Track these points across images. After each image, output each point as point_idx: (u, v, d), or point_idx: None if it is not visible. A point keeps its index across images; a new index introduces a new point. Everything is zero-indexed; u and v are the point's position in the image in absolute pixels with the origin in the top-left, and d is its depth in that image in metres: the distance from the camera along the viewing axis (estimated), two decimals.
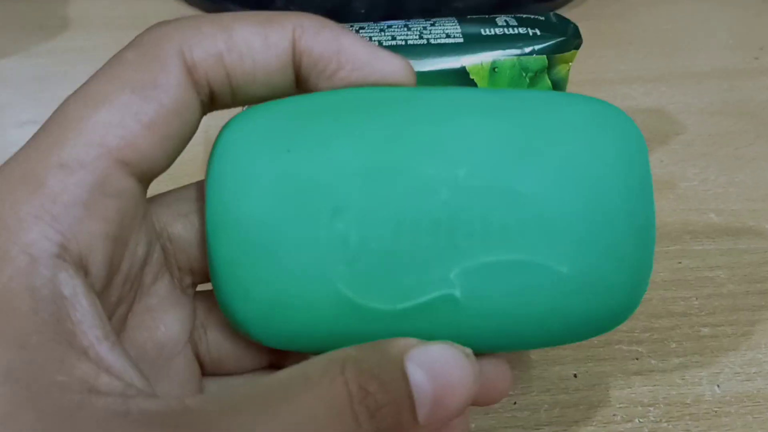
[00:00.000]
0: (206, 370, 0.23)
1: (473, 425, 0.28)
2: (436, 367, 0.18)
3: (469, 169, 0.19)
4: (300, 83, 0.22)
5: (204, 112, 0.21)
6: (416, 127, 0.20)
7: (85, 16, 0.55)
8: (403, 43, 0.31)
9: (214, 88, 0.21)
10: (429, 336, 0.19)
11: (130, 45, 0.20)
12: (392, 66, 0.21)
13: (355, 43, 0.21)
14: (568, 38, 0.32)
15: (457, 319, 0.20)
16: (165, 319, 0.22)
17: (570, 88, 0.45)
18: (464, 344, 0.19)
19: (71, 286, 0.17)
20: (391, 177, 0.19)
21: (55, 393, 0.16)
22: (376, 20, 0.34)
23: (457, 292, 0.19)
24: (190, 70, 0.20)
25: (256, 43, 0.20)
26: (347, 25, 0.32)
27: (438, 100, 0.21)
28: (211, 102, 0.21)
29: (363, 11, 0.50)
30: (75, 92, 0.19)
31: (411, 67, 0.22)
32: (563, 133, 0.20)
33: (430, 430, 0.18)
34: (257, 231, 0.20)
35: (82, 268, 0.18)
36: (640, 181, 0.20)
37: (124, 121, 0.19)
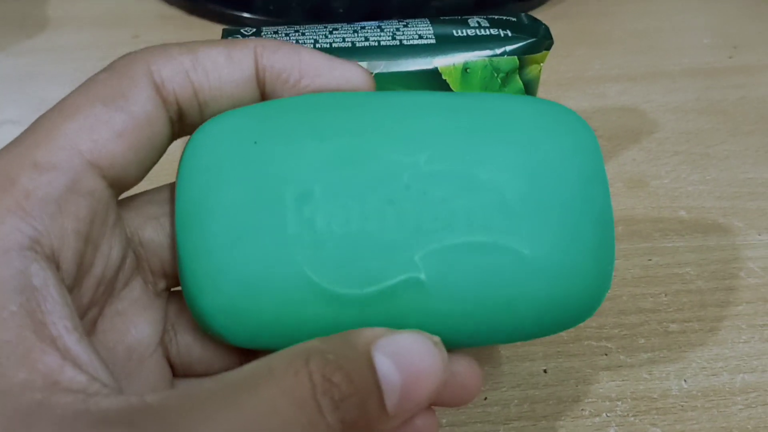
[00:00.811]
0: (177, 372, 0.24)
1: (444, 420, 0.29)
2: (404, 356, 0.18)
3: (431, 155, 0.20)
4: (265, 96, 0.23)
5: (174, 131, 0.22)
6: (378, 119, 0.21)
7: (64, 15, 0.55)
8: (376, 44, 0.32)
9: (182, 104, 0.22)
10: (397, 323, 0.20)
11: (103, 69, 0.21)
12: (351, 73, 0.23)
13: (313, 54, 0.23)
14: (539, 39, 0.33)
15: (424, 303, 0.20)
16: (136, 322, 0.22)
17: (546, 87, 0.46)
18: (432, 331, 0.19)
19: (42, 277, 0.18)
20: (355, 163, 0.20)
21: (16, 392, 0.16)
22: (355, 20, 0.34)
23: (423, 275, 0.20)
24: (158, 87, 0.21)
25: (221, 60, 0.22)
26: (322, 26, 0.33)
27: (398, 99, 0.22)
28: (180, 119, 0.22)
29: (342, 11, 0.50)
30: (50, 108, 0.20)
31: (369, 74, 0.23)
32: (518, 126, 0.21)
33: (398, 421, 0.18)
34: (224, 220, 0.20)
35: (54, 262, 0.18)
36: (593, 171, 0.21)
37: (95, 128, 0.20)
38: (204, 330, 0.22)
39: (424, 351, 0.18)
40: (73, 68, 0.49)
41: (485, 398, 0.30)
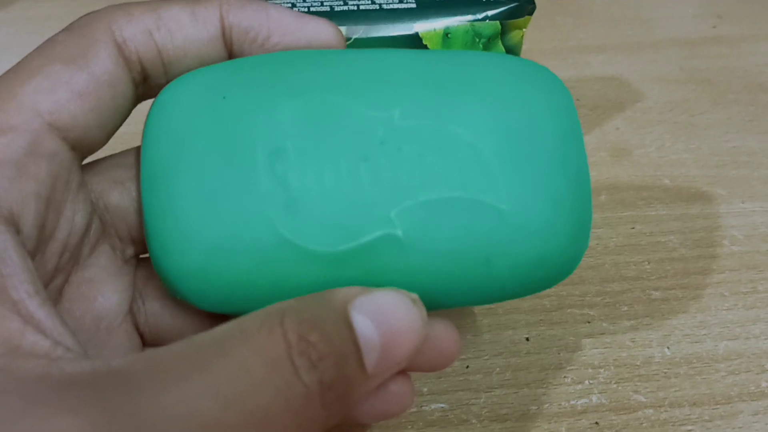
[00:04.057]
0: (147, 342, 0.23)
1: (425, 389, 0.28)
2: (382, 314, 0.17)
3: (405, 110, 0.20)
4: (233, 56, 0.22)
5: (139, 93, 0.22)
6: (351, 75, 0.21)
7: None
8: (355, 8, 0.31)
9: (146, 64, 0.21)
10: (374, 281, 0.19)
11: (63, 29, 0.21)
12: (321, 29, 0.22)
13: (281, 11, 0.22)
14: (522, 4, 0.32)
15: (401, 260, 0.19)
16: (103, 290, 0.22)
17: (529, 56, 0.45)
18: (410, 290, 0.19)
19: (1, 240, 0.17)
20: (328, 119, 0.20)
21: None
22: None
23: (399, 231, 0.19)
24: (120, 47, 0.21)
25: (185, 19, 0.21)
26: None
27: (371, 55, 0.21)
28: (145, 80, 0.22)
29: None
30: (8, 70, 0.20)
31: (339, 31, 0.23)
32: (494, 82, 0.21)
33: (377, 381, 0.18)
34: (192, 179, 0.20)
35: (13, 225, 0.18)
36: (568, 129, 0.21)
37: (55, 88, 0.19)
38: (173, 295, 0.21)
39: (402, 308, 0.18)
40: (46, 38, 0.48)
41: (467, 366, 0.29)
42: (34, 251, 0.19)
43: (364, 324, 0.17)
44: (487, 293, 0.21)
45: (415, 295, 0.18)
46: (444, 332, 0.21)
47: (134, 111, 0.22)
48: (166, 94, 0.21)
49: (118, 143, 0.23)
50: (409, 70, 0.21)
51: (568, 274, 0.21)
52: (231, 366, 0.15)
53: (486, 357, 0.30)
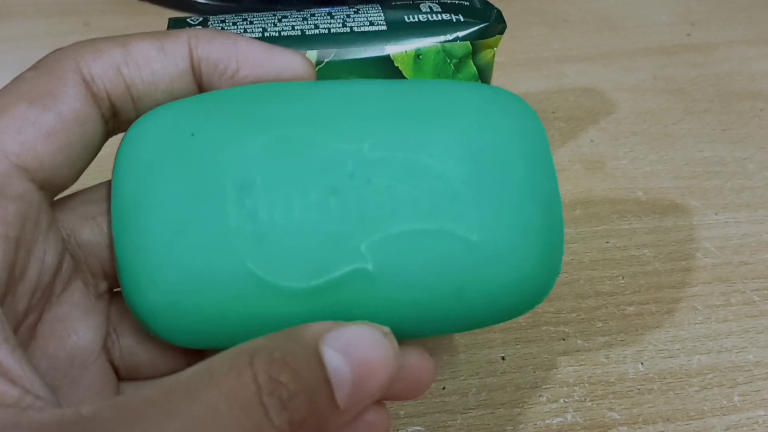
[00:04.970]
0: (122, 376, 0.23)
1: (402, 412, 0.29)
2: (353, 349, 0.17)
3: (374, 142, 0.20)
4: (203, 89, 0.22)
5: (109, 129, 0.22)
6: (320, 107, 0.21)
7: (16, 4, 0.53)
8: (326, 31, 0.31)
9: (115, 100, 0.21)
10: (345, 315, 0.19)
11: (30, 67, 0.21)
12: (291, 61, 0.22)
13: (251, 43, 0.22)
14: (492, 24, 0.32)
15: (372, 295, 0.20)
16: (77, 327, 0.22)
17: (503, 68, 0.45)
18: (382, 323, 0.19)
19: None
20: (297, 152, 0.20)
21: None
22: (310, 5, 0.34)
23: (370, 266, 0.19)
24: (88, 84, 0.20)
25: (153, 54, 0.21)
26: (271, 14, 0.32)
27: (340, 87, 0.22)
28: (114, 116, 0.22)
29: None
30: None
31: (310, 63, 0.23)
32: (462, 112, 0.21)
33: (350, 415, 0.18)
34: (162, 214, 0.20)
35: None
36: (538, 155, 0.21)
37: (22, 129, 0.19)
38: (146, 330, 0.21)
39: (373, 342, 0.18)
40: (22, 57, 0.47)
41: (443, 387, 0.30)
42: (4, 293, 0.19)
43: (335, 359, 0.17)
44: (460, 323, 0.21)
45: (386, 328, 0.19)
46: (418, 361, 0.21)
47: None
48: (136, 129, 0.21)
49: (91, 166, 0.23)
50: (378, 101, 0.21)
51: (541, 301, 0.22)
52: (200, 410, 0.16)
53: (462, 377, 0.30)
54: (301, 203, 0.19)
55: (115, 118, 0.22)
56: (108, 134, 0.22)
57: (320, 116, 0.20)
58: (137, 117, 0.22)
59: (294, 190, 0.19)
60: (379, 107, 0.21)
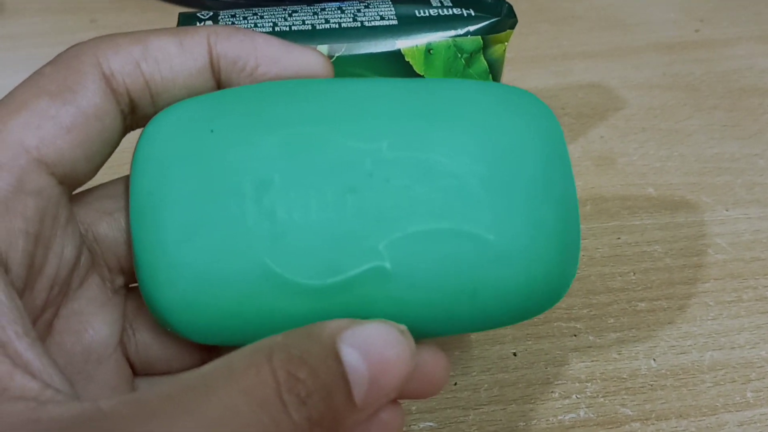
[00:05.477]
0: (137, 371, 0.23)
1: (413, 407, 0.29)
2: (370, 346, 0.17)
3: (392, 142, 0.20)
4: (221, 85, 0.22)
5: (127, 124, 0.22)
6: (338, 107, 0.21)
7: (22, 1, 0.53)
8: (337, 26, 0.31)
9: (134, 96, 0.21)
10: (362, 313, 0.19)
11: (49, 61, 0.21)
12: (309, 59, 0.22)
13: (269, 40, 0.22)
14: (503, 18, 0.32)
15: (390, 293, 0.20)
16: (93, 322, 0.22)
17: (512, 65, 0.45)
18: (398, 321, 0.19)
19: None
20: (315, 151, 0.20)
21: None
22: (315, 1, 0.34)
23: (387, 264, 0.19)
24: (107, 79, 0.20)
25: (173, 50, 0.21)
26: (281, 8, 0.32)
27: (358, 86, 0.21)
28: (133, 112, 0.22)
29: None
30: None
31: (327, 60, 0.22)
32: (479, 112, 0.21)
33: (367, 413, 0.18)
34: (180, 211, 0.20)
35: (1, 264, 0.18)
36: (555, 155, 0.21)
37: (42, 123, 0.19)
38: (162, 326, 0.21)
39: (390, 340, 0.18)
40: (28, 55, 0.48)
41: (455, 383, 0.29)
42: (23, 288, 0.19)
43: (352, 357, 0.17)
44: (475, 323, 0.21)
45: (403, 326, 0.19)
46: (432, 360, 0.21)
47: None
48: (154, 125, 0.21)
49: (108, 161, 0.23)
50: (395, 101, 0.21)
51: (557, 301, 0.22)
52: (219, 407, 0.16)
53: (474, 373, 0.30)
54: (319, 202, 0.19)
55: (134, 114, 0.22)
56: (126, 129, 0.22)
57: (339, 115, 0.20)
58: (155, 113, 0.22)
59: (312, 189, 0.19)
60: (396, 106, 0.21)
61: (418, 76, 0.32)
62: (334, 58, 0.31)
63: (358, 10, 0.32)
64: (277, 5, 0.32)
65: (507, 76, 0.43)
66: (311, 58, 0.22)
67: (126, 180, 0.23)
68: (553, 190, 0.20)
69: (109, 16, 0.51)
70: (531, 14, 0.51)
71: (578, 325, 0.32)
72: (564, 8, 0.53)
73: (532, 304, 0.21)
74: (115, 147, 0.22)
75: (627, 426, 0.28)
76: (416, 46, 0.31)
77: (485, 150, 0.20)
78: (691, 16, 0.52)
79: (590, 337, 0.31)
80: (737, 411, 0.29)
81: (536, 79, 0.46)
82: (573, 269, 0.22)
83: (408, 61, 0.31)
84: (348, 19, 0.31)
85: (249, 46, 0.22)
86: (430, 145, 0.20)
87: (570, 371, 0.30)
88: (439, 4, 0.32)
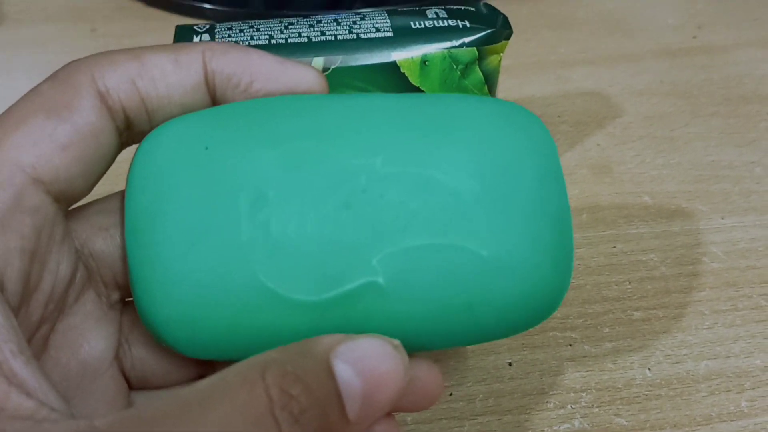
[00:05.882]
0: (133, 385, 0.23)
1: (409, 419, 0.29)
2: (364, 362, 0.17)
3: (387, 157, 0.20)
4: (216, 102, 0.22)
5: (123, 141, 0.22)
6: (332, 122, 0.21)
7: (22, 9, 0.54)
8: (333, 38, 0.31)
9: (129, 113, 0.21)
10: (356, 328, 0.19)
11: (46, 79, 0.21)
12: (303, 75, 0.22)
13: (264, 57, 0.22)
14: (498, 29, 0.32)
15: (384, 307, 0.20)
16: (89, 337, 0.22)
17: (510, 72, 0.45)
18: (392, 336, 0.19)
19: None
20: (310, 167, 0.20)
21: None
22: (317, 8, 0.34)
23: (381, 279, 0.19)
24: (103, 97, 0.21)
25: (168, 67, 0.21)
26: (277, 21, 0.32)
27: (352, 101, 0.22)
28: (128, 128, 0.22)
29: (304, 0, 0.49)
30: None
31: (323, 76, 0.22)
32: (473, 126, 0.21)
33: (360, 428, 0.18)
34: (175, 227, 0.20)
35: None
36: (549, 170, 0.21)
37: (38, 141, 0.19)
38: (158, 341, 0.21)
39: (383, 355, 0.18)
40: (30, 63, 0.48)
41: (450, 394, 0.30)
42: (19, 305, 0.19)
43: (345, 372, 0.17)
44: (470, 336, 0.21)
45: (396, 341, 0.19)
46: (427, 373, 0.21)
47: None
48: (150, 141, 0.21)
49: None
50: (390, 116, 0.21)
51: (550, 314, 0.22)
52: (215, 424, 0.16)
53: (469, 383, 0.30)
54: (314, 217, 0.20)
55: (129, 130, 0.22)
56: (122, 146, 0.22)
57: (333, 130, 0.21)
58: (151, 129, 0.22)
59: (307, 204, 0.20)
60: (391, 122, 0.21)
61: (414, 87, 0.32)
62: (330, 70, 0.31)
63: (354, 23, 0.32)
64: (273, 18, 0.33)
65: (505, 83, 0.43)
66: (306, 75, 0.22)
67: (121, 195, 0.23)
68: (547, 205, 0.21)
69: (110, 25, 0.52)
70: (529, 20, 0.51)
71: (574, 335, 0.32)
72: (563, 15, 0.53)
73: (526, 317, 0.21)
74: (111, 163, 0.22)
75: None
76: (412, 57, 0.31)
77: (480, 165, 0.20)
78: (690, 22, 0.52)
79: (585, 347, 0.31)
80: (732, 420, 0.29)
81: (534, 86, 0.46)
82: (567, 281, 0.22)
83: (404, 73, 0.32)
84: (344, 32, 0.32)
85: (244, 63, 0.22)
86: (425, 161, 0.20)
87: (565, 381, 0.30)
88: (434, 16, 0.32)
